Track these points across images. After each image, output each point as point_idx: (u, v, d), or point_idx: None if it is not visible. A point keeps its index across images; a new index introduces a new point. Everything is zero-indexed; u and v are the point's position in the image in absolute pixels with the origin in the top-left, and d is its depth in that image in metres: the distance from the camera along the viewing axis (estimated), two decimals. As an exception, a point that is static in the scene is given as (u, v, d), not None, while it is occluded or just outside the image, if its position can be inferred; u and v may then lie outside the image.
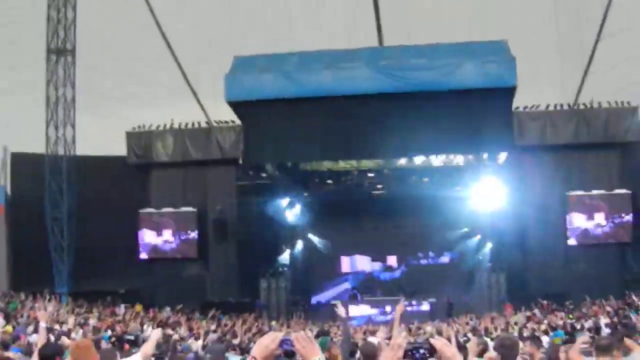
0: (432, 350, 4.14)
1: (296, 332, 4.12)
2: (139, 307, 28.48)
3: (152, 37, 29.17)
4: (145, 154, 32.26)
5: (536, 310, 26.68)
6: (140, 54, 29.02)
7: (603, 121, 30.30)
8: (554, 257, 30.56)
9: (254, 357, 3.80)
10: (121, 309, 28.10)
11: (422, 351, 4.24)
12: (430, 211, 35.54)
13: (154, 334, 7.24)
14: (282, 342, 3.93)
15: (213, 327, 23.33)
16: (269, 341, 3.87)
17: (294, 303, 35.27)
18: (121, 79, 29.15)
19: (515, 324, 23.09)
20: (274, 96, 28.02)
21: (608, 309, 23.53)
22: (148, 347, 6.88)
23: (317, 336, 10.98)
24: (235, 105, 28.99)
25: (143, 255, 32.42)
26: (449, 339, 4.64)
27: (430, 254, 38.58)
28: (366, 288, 36.99)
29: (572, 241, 30.65)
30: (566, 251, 30.74)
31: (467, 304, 34.05)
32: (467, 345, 8.56)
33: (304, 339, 3.85)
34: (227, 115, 30.66)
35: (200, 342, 16.78)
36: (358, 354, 7.84)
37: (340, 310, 10.86)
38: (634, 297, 24.79)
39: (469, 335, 17.07)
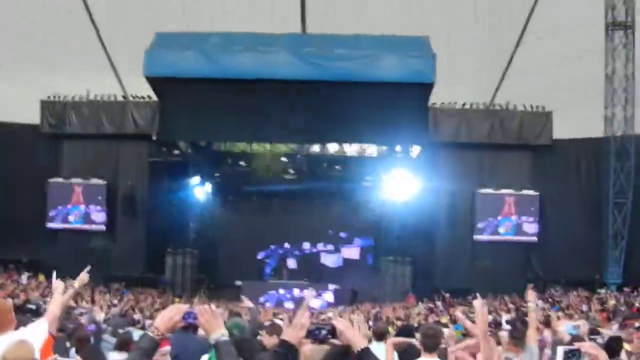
0: (334, 331, 4.12)
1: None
2: (41, 277, 28.09)
3: (75, 5, 28.52)
4: (59, 124, 31.53)
5: (438, 303, 26.95)
6: (60, 22, 28.29)
7: (517, 123, 30.83)
8: (460, 252, 31.09)
9: (157, 328, 3.81)
10: (23, 278, 27.74)
11: (324, 332, 4.17)
12: (340, 199, 36.19)
13: (58, 287, 6.37)
14: (186, 314, 3.90)
15: (115, 300, 23.40)
16: (172, 313, 3.88)
17: (198, 281, 35.23)
18: (39, 45, 28.56)
19: (418, 314, 23.51)
20: (193, 75, 27.83)
21: (510, 305, 23.87)
22: (55, 307, 6.08)
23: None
24: (153, 81, 28.69)
25: (50, 225, 31.92)
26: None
27: (339, 239, 38.52)
28: (275, 270, 37.30)
29: (478, 237, 31.15)
30: (472, 247, 31.32)
31: (370, 293, 34.27)
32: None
33: (208, 312, 3.86)
34: (144, 90, 30.23)
35: (102, 315, 16.47)
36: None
37: (246, 300, 11.02)
38: (553, 292, 26.07)
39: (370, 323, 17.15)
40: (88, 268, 7.15)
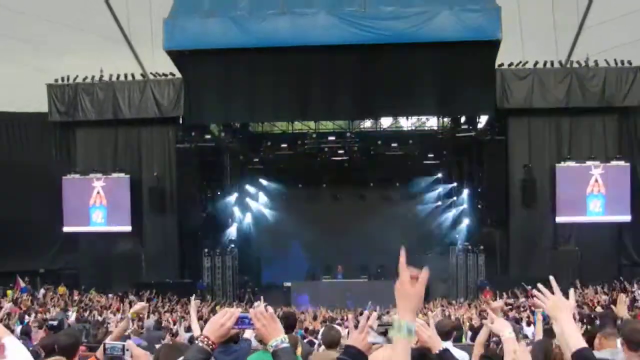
0: None
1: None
2: (62, 289, 27.27)
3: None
4: (70, 111, 29.77)
5: (522, 298, 25.20)
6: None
7: (600, 82, 28.46)
8: (540, 236, 29.27)
9: (207, 337, 3.60)
10: (41, 292, 26.82)
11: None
12: (399, 181, 35.34)
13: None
14: (240, 319, 3.69)
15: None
16: (224, 319, 3.66)
17: (241, 284, 33.89)
18: (44, 23, 26.71)
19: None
20: (220, 45, 26.48)
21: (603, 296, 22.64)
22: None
23: (282, 318, 9.41)
24: (175, 55, 27.31)
25: (67, 229, 30.00)
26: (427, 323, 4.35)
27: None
28: (326, 268, 35.63)
29: (561, 219, 28.78)
30: (554, 230, 29.31)
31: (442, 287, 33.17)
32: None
33: (265, 316, 3.62)
34: (166, 66, 28.64)
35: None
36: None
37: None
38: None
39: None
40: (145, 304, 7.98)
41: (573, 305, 4.46)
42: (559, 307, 4.15)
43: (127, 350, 5.03)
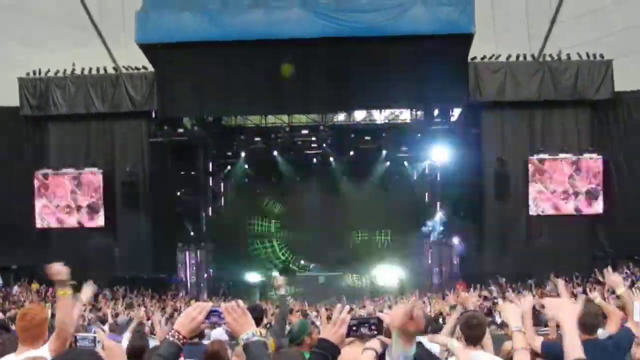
0: (380, 326, 3.83)
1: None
2: (35, 286, 27.32)
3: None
4: (41, 105, 29.39)
5: (492, 288, 25.47)
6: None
7: (572, 76, 28.47)
8: (513, 229, 29.10)
9: (177, 332, 3.71)
10: (14, 289, 27.08)
11: (370, 325, 3.84)
12: (372, 174, 35.49)
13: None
14: (210, 313, 3.78)
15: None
16: (195, 312, 3.77)
17: (216, 279, 34.02)
18: (13, 15, 26.76)
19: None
20: (193, 38, 26.70)
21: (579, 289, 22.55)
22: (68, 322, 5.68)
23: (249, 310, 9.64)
24: (148, 48, 27.42)
25: (39, 225, 29.69)
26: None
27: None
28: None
29: (534, 212, 28.89)
30: (528, 223, 29.12)
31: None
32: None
33: (235, 310, 3.72)
34: (139, 60, 28.55)
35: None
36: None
37: (280, 287, 10.54)
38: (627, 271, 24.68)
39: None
40: (90, 283, 7.74)
41: (579, 310, 4.45)
42: (566, 311, 4.13)
43: (99, 341, 5.09)
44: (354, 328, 3.85)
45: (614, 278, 6.55)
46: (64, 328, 5.55)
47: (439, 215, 34.43)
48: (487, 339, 6.47)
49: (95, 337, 5.12)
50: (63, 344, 5.47)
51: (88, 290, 7.73)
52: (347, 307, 3.77)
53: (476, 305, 19.59)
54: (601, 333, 6.96)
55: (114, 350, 4.99)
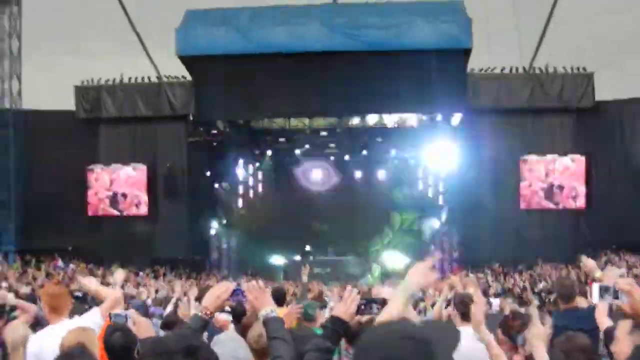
0: (386, 304, 4.01)
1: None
2: (82, 266, 28.31)
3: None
4: (94, 109, 31.63)
5: (487, 271, 27.01)
6: (90, 5, 28.82)
7: (558, 86, 30.31)
8: (506, 222, 30.36)
9: (206, 307, 3.91)
10: (70, 267, 27.86)
11: (377, 303, 4.24)
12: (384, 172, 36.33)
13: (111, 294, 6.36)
14: (234, 292, 4.02)
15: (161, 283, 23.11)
16: (220, 291, 3.97)
17: (244, 261, 35.32)
18: (70, 31, 29.02)
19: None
20: (226, 52, 28.24)
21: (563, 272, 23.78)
22: (108, 306, 5.99)
23: (272, 291, 11.22)
24: (187, 60, 29.19)
25: (90, 212, 31.99)
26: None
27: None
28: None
29: (524, 206, 30.67)
30: (519, 216, 30.78)
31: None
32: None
33: (256, 289, 3.92)
34: (178, 70, 30.52)
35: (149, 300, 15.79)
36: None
37: (304, 275, 11.23)
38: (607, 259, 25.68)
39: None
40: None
41: (548, 333, 5.08)
42: (537, 336, 4.74)
43: (129, 318, 5.21)
44: (363, 307, 4.12)
45: (589, 264, 6.85)
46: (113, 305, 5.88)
47: (442, 208, 35.40)
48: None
49: (127, 314, 5.26)
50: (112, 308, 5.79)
51: (120, 274, 7.99)
52: (356, 289, 4.01)
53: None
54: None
55: (142, 325, 5.33)
